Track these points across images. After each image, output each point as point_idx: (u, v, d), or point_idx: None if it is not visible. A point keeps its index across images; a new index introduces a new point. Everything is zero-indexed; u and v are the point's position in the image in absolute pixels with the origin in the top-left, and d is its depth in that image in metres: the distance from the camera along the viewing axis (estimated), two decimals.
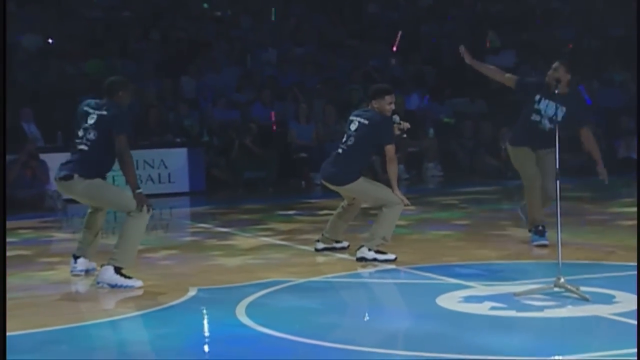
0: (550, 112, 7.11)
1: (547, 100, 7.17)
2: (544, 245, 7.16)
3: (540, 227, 7.27)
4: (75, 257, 6.50)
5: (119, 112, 6.11)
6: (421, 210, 10.18)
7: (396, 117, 7.10)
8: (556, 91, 6.55)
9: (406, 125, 7.13)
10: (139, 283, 6.00)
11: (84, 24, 15.77)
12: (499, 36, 17.36)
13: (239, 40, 16.35)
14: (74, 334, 5.00)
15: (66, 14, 15.87)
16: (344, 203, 7.24)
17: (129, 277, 5.99)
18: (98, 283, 6.03)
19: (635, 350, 4.08)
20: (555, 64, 7.21)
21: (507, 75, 7.61)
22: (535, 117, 7.25)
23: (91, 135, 6.13)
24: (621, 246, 7.29)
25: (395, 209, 6.84)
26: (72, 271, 6.49)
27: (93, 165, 6.11)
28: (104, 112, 6.13)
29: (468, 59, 7.49)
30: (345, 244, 7.33)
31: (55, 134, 13.03)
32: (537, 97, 7.22)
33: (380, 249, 6.83)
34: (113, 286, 5.94)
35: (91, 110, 6.19)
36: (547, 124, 7.20)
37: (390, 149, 6.89)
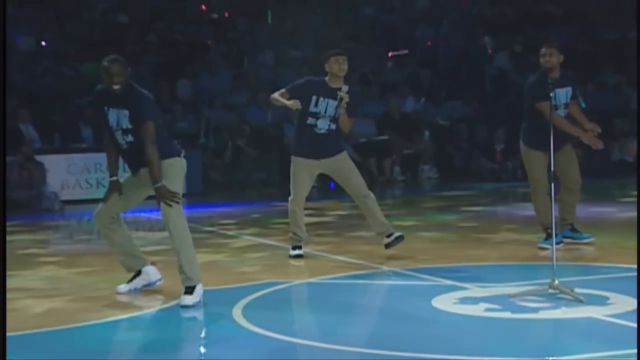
0: (564, 98, 7.07)
1: (557, 90, 6.86)
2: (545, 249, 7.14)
3: (549, 230, 7.26)
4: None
5: None
6: (416, 212, 10.23)
7: (345, 87, 6.92)
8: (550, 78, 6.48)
9: (342, 95, 6.84)
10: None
11: (82, 26, 15.80)
12: (495, 40, 17.44)
13: (235, 43, 16.40)
14: (70, 334, 5.02)
15: (64, 16, 15.90)
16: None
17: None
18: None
19: (635, 351, 4.13)
20: (543, 50, 7.03)
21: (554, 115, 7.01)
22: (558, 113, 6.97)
23: None
24: (615, 248, 7.35)
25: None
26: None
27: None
28: None
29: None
30: (395, 234, 7.06)
31: (53, 136, 13.08)
32: (551, 93, 6.88)
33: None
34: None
35: None
36: (562, 113, 7.08)
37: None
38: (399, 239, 7.04)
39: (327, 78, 7.01)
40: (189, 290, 5.53)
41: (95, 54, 15.03)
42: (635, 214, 9.60)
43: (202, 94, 14.65)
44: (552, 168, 5.82)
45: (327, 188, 13.23)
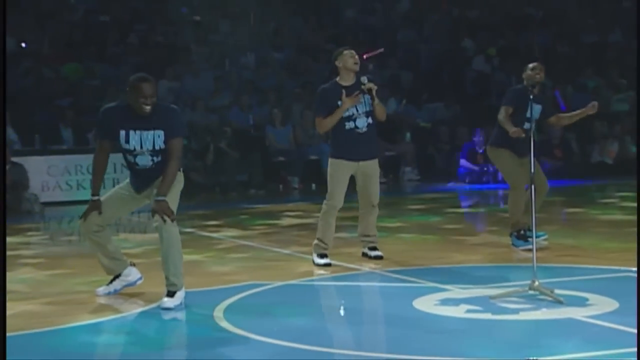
0: (536, 115, 7.23)
1: (534, 105, 6.94)
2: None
3: (522, 232, 7.37)
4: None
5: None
6: (398, 213, 10.25)
7: (364, 78, 6.75)
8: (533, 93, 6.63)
9: (371, 85, 6.69)
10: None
11: (62, 27, 15.73)
12: (475, 42, 17.52)
13: (217, 45, 16.38)
14: (48, 337, 5.00)
15: (44, 17, 15.82)
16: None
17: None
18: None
19: (635, 350, 4.16)
20: (534, 64, 7.32)
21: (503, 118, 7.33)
22: (526, 125, 7.15)
23: None
24: (594, 249, 7.40)
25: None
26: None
27: None
28: None
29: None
30: (379, 253, 7.03)
31: (33, 137, 13.00)
32: (528, 104, 7.12)
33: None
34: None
35: None
36: (531, 126, 7.26)
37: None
38: (378, 258, 6.98)
39: (338, 79, 6.86)
40: (171, 294, 5.53)
41: (76, 55, 15.00)
42: (616, 216, 9.70)
43: (183, 96, 14.62)
44: (532, 170, 5.88)
45: (308, 190, 13.25)
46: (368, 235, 7.08)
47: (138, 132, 5.53)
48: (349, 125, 6.78)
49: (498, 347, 4.56)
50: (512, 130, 7.11)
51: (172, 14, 16.96)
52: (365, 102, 6.77)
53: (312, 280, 6.44)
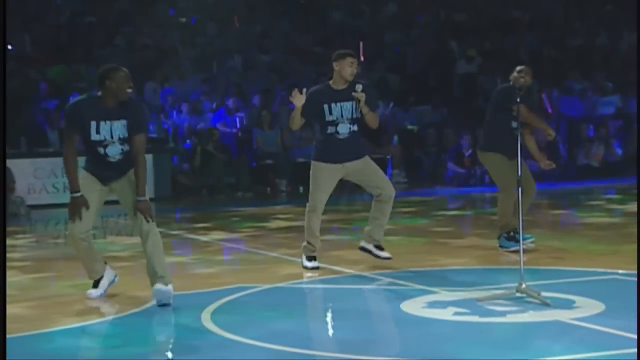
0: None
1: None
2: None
3: (511, 233, 7.39)
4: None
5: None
6: None
7: (359, 86, 6.64)
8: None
9: (358, 95, 6.60)
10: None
11: (49, 29, 15.68)
12: (461, 44, 17.57)
13: (204, 47, 16.37)
14: (38, 341, 4.98)
15: (30, 19, 15.76)
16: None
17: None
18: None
19: (636, 352, 4.19)
20: (521, 68, 7.34)
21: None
22: (513, 124, 7.15)
23: None
24: (581, 252, 7.44)
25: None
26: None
27: None
28: None
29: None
30: (387, 254, 6.89)
31: (19, 140, 12.95)
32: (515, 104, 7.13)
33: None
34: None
35: None
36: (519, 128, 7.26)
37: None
38: (386, 258, 6.86)
39: (330, 82, 6.76)
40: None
41: (62, 58, 14.95)
42: (602, 219, 9.75)
43: (170, 98, 14.60)
44: (520, 173, 5.90)
45: (296, 192, 13.25)
46: (376, 240, 6.91)
47: (109, 122, 5.59)
48: (331, 129, 6.67)
49: (485, 349, 4.57)
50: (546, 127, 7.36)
51: (159, 16, 16.94)
52: (352, 108, 6.67)
53: (300, 283, 6.44)
